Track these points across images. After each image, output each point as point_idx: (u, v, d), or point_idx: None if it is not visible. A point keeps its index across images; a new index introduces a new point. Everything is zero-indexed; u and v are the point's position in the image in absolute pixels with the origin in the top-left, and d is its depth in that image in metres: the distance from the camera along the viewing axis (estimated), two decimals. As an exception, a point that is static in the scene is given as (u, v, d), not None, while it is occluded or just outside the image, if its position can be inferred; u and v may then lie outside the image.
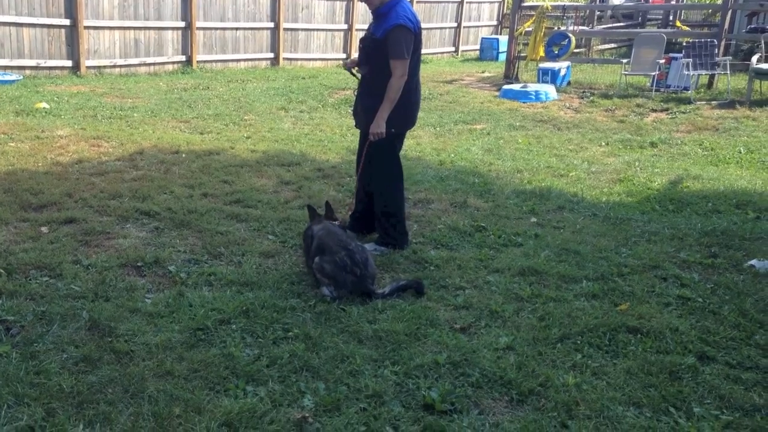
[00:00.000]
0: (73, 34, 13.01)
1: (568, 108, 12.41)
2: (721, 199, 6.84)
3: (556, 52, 14.59)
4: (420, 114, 11.84)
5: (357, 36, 18.37)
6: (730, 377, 3.54)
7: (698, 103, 12.05)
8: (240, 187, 6.66)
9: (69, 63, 13.14)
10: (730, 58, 13.59)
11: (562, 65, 14.52)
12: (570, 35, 14.61)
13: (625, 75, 13.47)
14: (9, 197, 5.93)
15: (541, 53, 14.76)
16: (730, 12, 13.33)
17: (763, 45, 12.40)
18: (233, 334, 3.81)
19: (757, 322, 4.13)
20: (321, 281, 4.42)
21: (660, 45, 13.32)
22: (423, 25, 20.93)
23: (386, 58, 4.75)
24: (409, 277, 4.72)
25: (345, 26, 18.10)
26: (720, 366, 3.65)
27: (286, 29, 16.70)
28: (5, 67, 12.31)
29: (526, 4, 15.97)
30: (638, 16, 22.18)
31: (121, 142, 8.32)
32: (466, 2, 21.88)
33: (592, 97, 12.96)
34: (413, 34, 4.78)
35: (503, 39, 19.90)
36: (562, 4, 16.42)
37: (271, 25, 16.43)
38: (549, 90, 13.21)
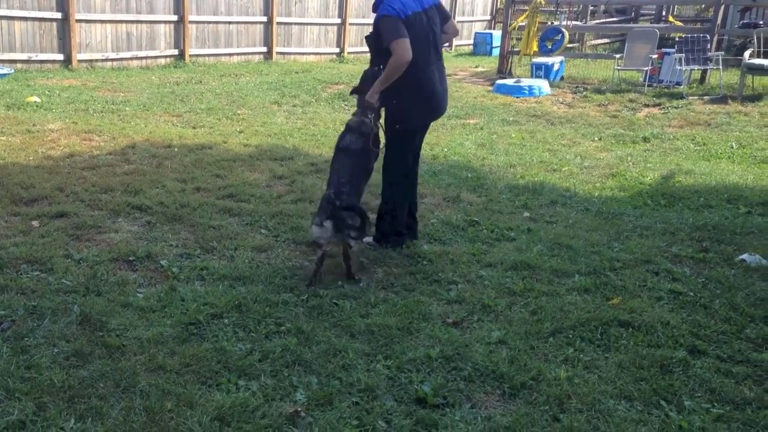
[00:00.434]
0: (64, 27, 12.94)
1: (562, 103, 12.42)
2: (713, 194, 6.87)
3: (550, 47, 14.59)
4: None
5: (350, 30, 18.34)
6: (720, 371, 3.56)
7: (690, 98, 12.08)
8: (232, 182, 6.64)
9: (60, 56, 13.07)
10: (723, 53, 13.62)
11: (555, 60, 14.52)
12: (563, 30, 14.61)
13: (618, 70, 13.49)
14: (0, 191, 5.90)
15: (535, 48, 14.76)
16: (722, 7, 13.35)
17: (755, 40, 12.43)
18: (225, 328, 3.80)
19: (748, 316, 4.15)
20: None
21: (653, 40, 13.33)
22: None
23: (388, 51, 4.71)
24: (401, 272, 4.72)
25: (338, 20, 18.06)
26: (711, 360, 3.67)
27: (279, 23, 16.65)
28: (-4, 61, 12.25)
29: (519, -2, 15.97)
30: (631, 11, 22.20)
31: (113, 136, 8.28)
32: (460, -3, 21.87)
33: (585, 92, 12.98)
34: (400, 20, 4.62)
35: (497, 34, 19.90)
36: (556, -2, 16.42)
37: (264, 19, 16.37)
38: (542, 85, 13.22)
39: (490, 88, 13.56)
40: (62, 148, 7.54)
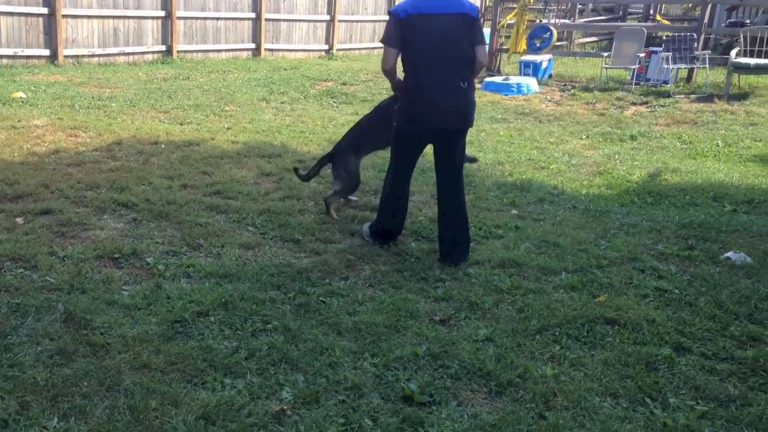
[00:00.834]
0: (51, 22, 12.84)
1: (550, 101, 12.45)
2: (699, 192, 6.90)
3: (538, 45, 14.61)
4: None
5: (339, 27, 18.30)
6: (705, 368, 3.57)
7: (677, 96, 12.13)
8: (220, 179, 6.62)
9: (47, 52, 12.97)
10: (710, 52, 13.69)
11: (543, 58, 14.55)
12: (552, 28, 14.64)
13: (606, 68, 13.53)
14: (-16, 188, 5.85)
15: (523, 46, 14.78)
16: (709, 6, 13.41)
17: (741, 39, 12.49)
18: (211, 326, 3.79)
19: (733, 314, 4.18)
20: None
21: (640, 39, 13.38)
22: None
23: None
24: (389, 270, 4.72)
25: (327, 17, 18.01)
26: (695, 357, 3.69)
27: (267, 20, 16.59)
28: (-19, 56, 12.14)
29: (508, -4, 15.98)
30: (619, 9, 22.28)
31: (99, 132, 8.23)
32: (449, -6, 21.85)
33: (573, 90, 13.01)
34: (399, 20, 4.60)
35: (485, 31, 19.89)
36: (544, -4, 16.46)
37: (253, 15, 16.31)
38: (530, 83, 13.24)
39: (479, 86, 13.55)
40: (47, 145, 7.49)
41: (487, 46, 16.73)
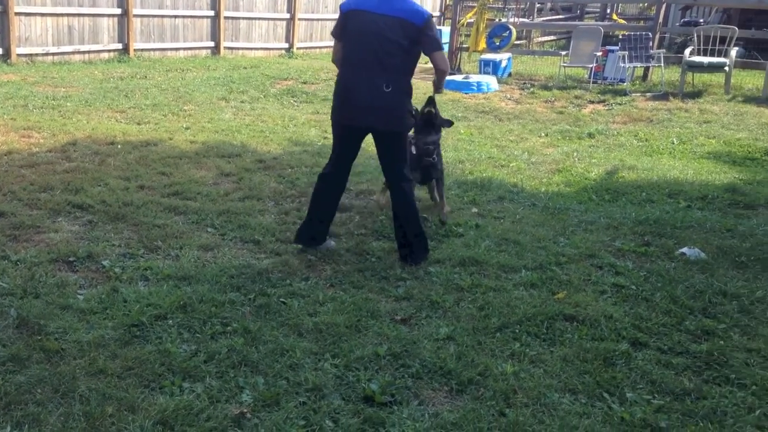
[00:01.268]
0: (3, 20, 12.52)
1: (509, 99, 12.55)
2: (655, 189, 7.03)
3: (498, 43, 14.72)
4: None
5: (300, 25, 18.20)
6: (661, 362, 3.64)
7: (634, 94, 12.34)
8: (178, 179, 6.53)
9: (-2, 50, 12.65)
10: (664, 51, 13.94)
11: (503, 57, 14.67)
12: (511, 27, 14.76)
13: (564, 67, 13.70)
14: (-68, 191, 5.69)
15: (483, 45, 14.88)
16: (664, 6, 13.66)
17: (695, 38, 12.75)
18: (170, 329, 3.73)
19: (687, 308, 4.26)
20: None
21: (597, 38, 13.58)
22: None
23: None
24: (350, 270, 4.71)
25: (287, 15, 17.89)
26: (652, 351, 3.75)
27: (227, 17, 16.42)
28: (-71, 55, 11.78)
29: (467, -5, 16.09)
30: (577, 9, 22.58)
31: (53, 132, 8.06)
32: (409, -7, 21.91)
33: (532, 89, 13.14)
34: (342, 14, 4.72)
35: (446, 30, 20.00)
36: (503, -5, 16.63)
37: (212, 13, 16.13)
38: (490, 81, 13.33)
39: (439, 85, 13.61)
40: (-1, 146, 7.31)
41: (447, 46, 16.77)
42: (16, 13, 12.61)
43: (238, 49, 16.94)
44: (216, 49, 16.40)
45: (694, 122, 10.46)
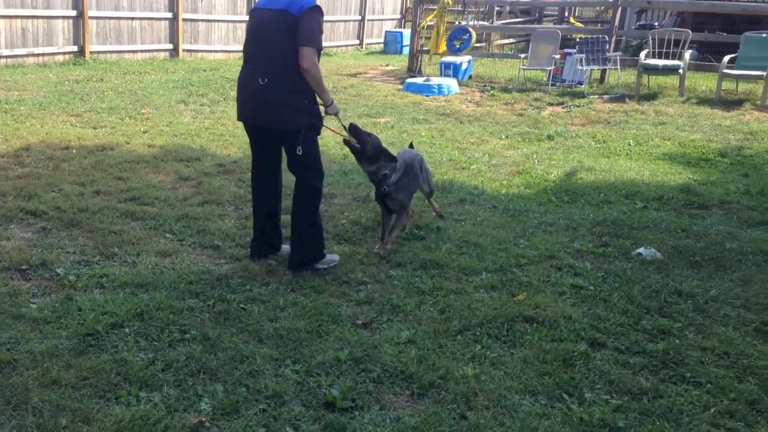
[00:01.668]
0: (-49, 21, 12.20)
1: (470, 101, 12.63)
2: (612, 190, 7.13)
3: (458, 46, 14.81)
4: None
5: (259, 28, 18.03)
6: (619, 362, 3.69)
7: (591, 97, 12.51)
8: (135, 184, 6.42)
9: (-52, 53, 12.32)
10: (620, 53, 14.16)
11: (463, 59, 14.76)
12: (471, 30, 14.86)
13: (523, 69, 13.83)
14: None
15: (443, 47, 14.95)
16: (620, 9, 13.88)
17: (650, 41, 12.99)
18: (126, 338, 3.67)
19: (644, 308, 4.33)
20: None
21: (555, 41, 13.74)
22: (327, 18, 20.74)
23: None
24: (310, 274, 4.68)
25: (247, 17, 17.75)
26: (610, 352, 3.80)
27: (185, 20, 16.22)
28: None
29: (427, -2, 16.15)
30: (535, 12, 22.83)
31: (6, 137, 7.86)
32: (370, -5, 21.93)
33: (492, 91, 13.24)
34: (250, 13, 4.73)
35: (407, 33, 20.06)
36: (463, -1, 16.69)
37: (170, 15, 15.92)
38: (451, 84, 13.40)
39: (401, 87, 13.65)
40: (-51, 151, 7.11)
41: (407, 48, 16.73)
42: (-33, 15, 12.30)
43: (197, 51, 16.76)
44: (174, 52, 16.20)
45: (650, 124, 10.65)
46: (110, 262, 4.70)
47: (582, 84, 13.20)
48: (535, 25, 18.87)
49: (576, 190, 7.14)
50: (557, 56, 13.60)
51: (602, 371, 3.58)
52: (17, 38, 13.25)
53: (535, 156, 8.71)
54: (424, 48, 15.72)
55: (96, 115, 9.59)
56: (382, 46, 22.08)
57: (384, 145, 5.14)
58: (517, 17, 22.68)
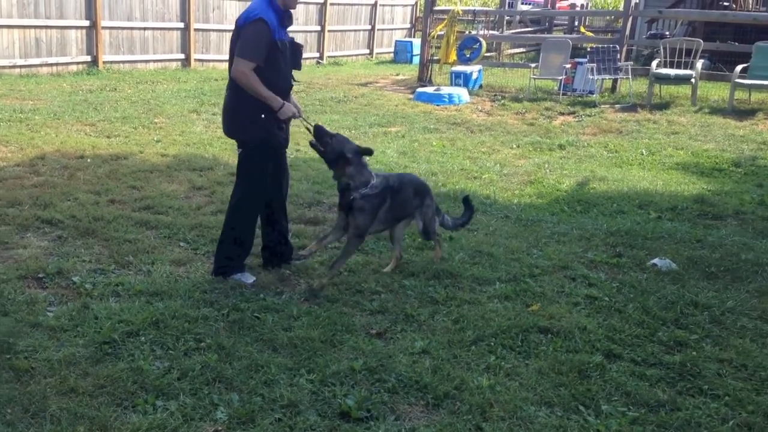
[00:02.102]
0: (-33, 31, 12.32)
1: (481, 111, 12.64)
2: (625, 200, 7.11)
3: (468, 55, 14.84)
4: (335, 117, 11.77)
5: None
6: (635, 374, 3.67)
7: (603, 106, 12.50)
8: (149, 193, 6.46)
9: (-37, 62, 12.44)
10: (632, 63, 14.15)
11: (474, 69, 14.78)
12: (481, 39, 14.89)
13: (534, 79, 13.84)
14: None
15: (454, 57, 14.98)
16: (631, 18, 13.88)
17: (662, 50, 12.98)
18: (142, 346, 3.68)
19: (660, 320, 4.31)
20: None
21: (566, 50, 13.75)
22: (337, 27, 20.80)
23: None
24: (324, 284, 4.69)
25: (258, 27, 17.84)
26: (626, 363, 3.78)
27: (197, 30, 16.34)
28: None
29: (437, 8, 16.18)
30: (545, 21, 22.85)
31: (21, 146, 7.92)
32: (380, 5, 21.99)
33: (503, 101, 13.25)
34: None
35: (417, 42, 20.12)
36: (473, 8, 16.77)
37: (182, 25, 16.03)
38: (462, 93, 13.42)
39: (411, 96, 13.68)
40: (-35, 160, 7.17)
41: (417, 58, 16.74)
42: (-18, 25, 12.42)
43: (209, 61, 16.85)
44: (186, 61, 16.30)
45: (663, 133, 10.63)
46: (125, 270, 4.72)
47: (593, 93, 13.19)
48: (546, 35, 18.88)
49: (589, 200, 7.12)
50: (568, 66, 13.61)
51: (618, 383, 3.56)
52: (31, 48, 13.38)
53: (546, 165, 8.70)
54: (435, 57, 15.76)
55: (110, 125, 9.66)
56: (392, 55, 22.14)
57: (351, 149, 4.59)
58: (527, 27, 22.70)
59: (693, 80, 12.28)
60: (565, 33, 21.59)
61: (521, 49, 21.11)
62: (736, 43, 13.86)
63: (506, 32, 20.38)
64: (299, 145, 8.78)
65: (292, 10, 4.58)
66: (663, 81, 12.61)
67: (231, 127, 4.69)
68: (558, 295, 4.65)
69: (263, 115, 4.47)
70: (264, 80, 4.39)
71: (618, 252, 5.52)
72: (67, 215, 5.63)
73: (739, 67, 11.82)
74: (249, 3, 4.60)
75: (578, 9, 22.18)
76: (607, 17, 24.33)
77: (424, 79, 15.54)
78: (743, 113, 11.69)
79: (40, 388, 3.22)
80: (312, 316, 4.16)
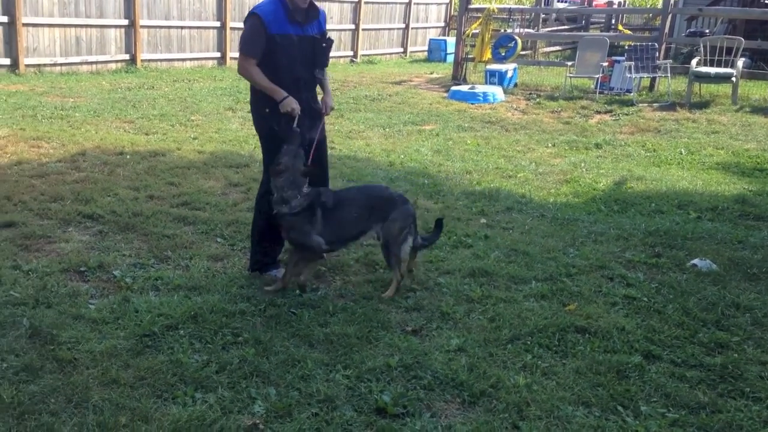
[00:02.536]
0: (11, 31, 12.59)
1: (516, 109, 12.56)
2: (664, 200, 7.01)
3: (503, 54, 14.75)
4: (369, 115, 11.79)
5: (305, 36, 18.22)
6: (675, 375, 3.62)
7: (640, 105, 12.34)
8: (187, 189, 6.54)
9: (7, 61, 12.70)
10: (671, 61, 13.94)
11: (508, 67, 14.69)
12: (516, 38, 14.79)
13: (570, 77, 13.70)
14: (-57, 200, 5.70)
15: (488, 55, 14.91)
16: (670, 16, 13.68)
17: (701, 48, 12.76)
18: (181, 339, 3.73)
19: (700, 321, 4.24)
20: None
21: (603, 48, 13.59)
22: (372, 26, 20.85)
23: None
24: (360, 280, 4.71)
25: (293, 26, 17.94)
26: (665, 364, 3.73)
27: (233, 28, 16.49)
28: (-62, 65, 11.84)
29: (472, 6, 16.11)
30: (582, 19, 22.61)
31: (63, 142, 8.08)
32: (414, 3, 21.96)
33: (538, 99, 13.15)
34: None
35: (451, 40, 20.04)
36: (508, 6, 16.67)
37: (218, 24, 16.20)
38: (496, 91, 13.35)
39: (445, 95, 13.65)
40: (9, 156, 7.33)
41: (452, 56, 16.73)
42: (24, 24, 12.68)
43: (244, 59, 16.98)
44: (222, 60, 16.46)
45: (702, 132, 10.45)
46: (164, 265, 4.79)
47: (630, 92, 13.02)
48: (582, 33, 18.69)
49: (626, 200, 7.04)
50: (605, 64, 13.45)
51: (658, 384, 3.51)
52: (71, 46, 13.62)
53: (582, 164, 8.62)
54: (469, 56, 15.70)
55: (148, 122, 9.80)
56: (425, 54, 22.09)
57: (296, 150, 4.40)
58: (563, 25, 22.49)
59: (734, 79, 12.05)
60: (602, 31, 21.34)
61: (557, 47, 20.93)
62: (779, 42, 13.58)
63: (542, 30, 20.21)
64: (333, 143, 8.83)
65: (303, 6, 4.49)
66: (703, 79, 12.40)
67: (253, 121, 4.88)
68: (595, 294, 4.60)
69: (267, 110, 4.54)
70: (265, 74, 4.46)
71: (657, 252, 5.45)
72: (108, 210, 5.72)
73: (781, 66, 11.58)
74: None
75: (615, 7, 21.89)
76: (646, 15, 23.97)
77: (458, 77, 15.50)
78: (786, 112, 11.45)
79: (82, 379, 3.29)
80: (348, 313, 4.17)
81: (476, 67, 15.64)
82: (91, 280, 4.47)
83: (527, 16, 19.04)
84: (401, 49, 22.23)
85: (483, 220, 6.15)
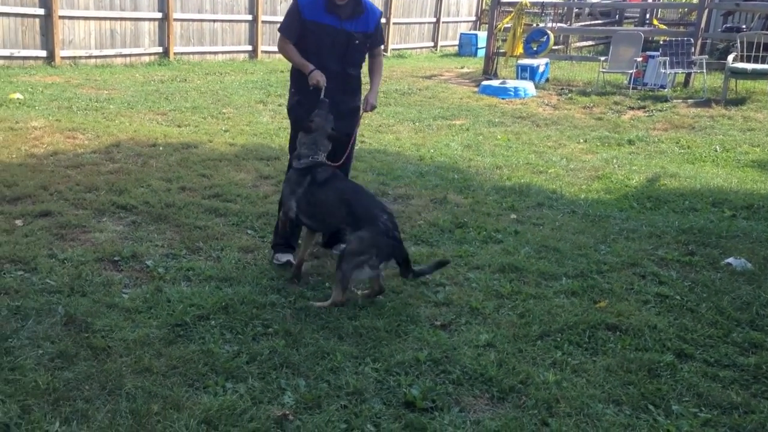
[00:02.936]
0: (47, 23, 12.81)
1: (547, 105, 12.46)
2: (698, 197, 6.91)
3: (535, 48, 14.64)
4: (399, 109, 11.80)
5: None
6: (708, 375, 3.57)
7: (675, 101, 12.17)
8: (218, 181, 6.60)
9: (43, 53, 12.93)
10: (706, 56, 13.72)
11: (540, 62, 14.58)
12: (548, 32, 14.67)
13: (603, 72, 13.56)
14: (-18, 189, 5.82)
15: (520, 50, 14.81)
16: (706, 11, 13.46)
17: (738, 44, 12.53)
18: (212, 330, 3.77)
19: (734, 320, 4.18)
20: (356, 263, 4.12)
21: (637, 43, 13.42)
22: (402, 20, 20.83)
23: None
24: (389, 274, 4.70)
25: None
26: (698, 364, 3.68)
27: (264, 22, 16.59)
28: (-23, 56, 12.09)
29: (504, 0, 16.01)
30: (615, 14, 22.34)
31: (97, 134, 8.20)
32: (445, -3, 21.90)
33: (570, 94, 13.03)
34: None
35: (482, 35, 19.94)
36: (541, 0, 16.51)
37: (250, 17, 16.31)
38: (528, 86, 13.26)
39: (476, 89, 13.59)
40: (46, 146, 7.46)
41: (483, 50, 16.62)
42: (60, 17, 12.89)
43: (275, 53, 17.07)
44: (254, 53, 16.57)
45: (738, 130, 10.27)
46: (196, 256, 4.84)
47: (665, 88, 12.85)
48: (616, 27, 18.45)
49: (659, 197, 6.95)
50: (639, 59, 13.27)
51: (690, 383, 3.47)
52: (106, 39, 13.82)
53: (615, 161, 8.53)
54: (500, 50, 15.60)
55: (180, 114, 9.91)
56: (456, 48, 22.01)
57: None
58: (597, 19, 22.24)
59: (771, 75, 11.83)
60: (636, 25, 21.06)
61: (590, 42, 20.71)
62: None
63: (575, 25, 20.00)
64: (363, 137, 8.85)
65: (340, 2, 4.52)
66: (739, 76, 12.18)
67: (287, 107, 5.04)
68: (627, 292, 4.56)
69: (293, 89, 4.84)
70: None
71: (690, 250, 5.37)
72: (141, 201, 5.80)
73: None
74: None
75: (650, 1, 21.58)
76: (681, 9, 23.59)
77: (489, 72, 15.42)
78: (825, 110, 11.21)
79: (116, 367, 3.34)
80: (377, 306, 4.18)
81: (507, 62, 15.54)
82: (124, 270, 4.53)
83: (560, 11, 18.86)
84: (432, 44, 22.17)
85: (513, 216, 6.11)
